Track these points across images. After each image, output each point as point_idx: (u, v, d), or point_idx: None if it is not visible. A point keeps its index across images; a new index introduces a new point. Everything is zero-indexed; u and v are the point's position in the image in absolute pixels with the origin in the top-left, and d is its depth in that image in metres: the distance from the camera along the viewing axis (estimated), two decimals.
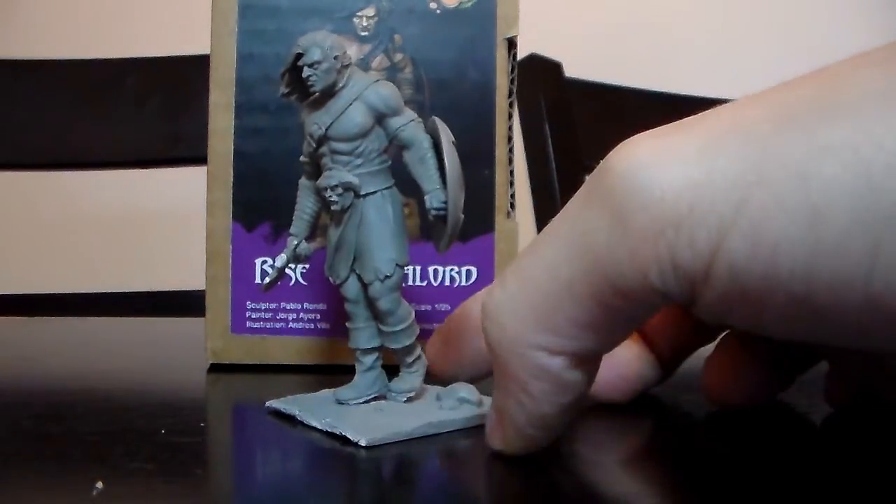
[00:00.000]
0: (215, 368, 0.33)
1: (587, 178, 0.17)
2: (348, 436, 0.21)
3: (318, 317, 0.34)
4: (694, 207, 0.15)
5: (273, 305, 0.34)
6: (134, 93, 0.73)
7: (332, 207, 0.25)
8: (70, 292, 0.72)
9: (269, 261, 0.34)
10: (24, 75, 0.74)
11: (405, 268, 0.25)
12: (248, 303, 0.34)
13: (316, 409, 0.24)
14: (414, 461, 0.21)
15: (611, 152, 0.17)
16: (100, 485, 0.17)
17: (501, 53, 0.34)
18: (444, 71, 0.34)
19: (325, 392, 0.26)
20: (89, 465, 0.19)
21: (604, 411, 0.26)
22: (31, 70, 0.74)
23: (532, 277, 0.18)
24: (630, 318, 0.17)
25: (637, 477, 0.21)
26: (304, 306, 0.34)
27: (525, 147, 0.76)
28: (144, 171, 0.77)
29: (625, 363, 0.26)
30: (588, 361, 0.18)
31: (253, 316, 0.34)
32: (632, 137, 0.17)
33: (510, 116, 0.35)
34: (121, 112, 0.72)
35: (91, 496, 0.17)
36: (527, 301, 0.18)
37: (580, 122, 0.76)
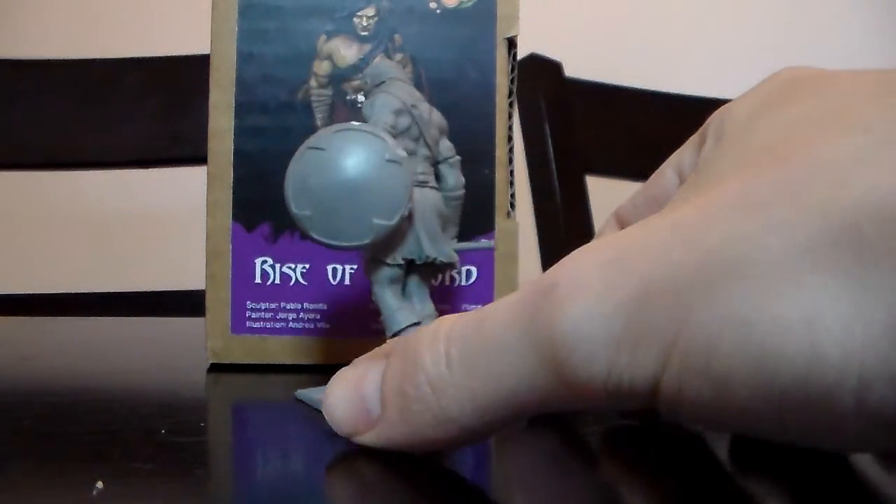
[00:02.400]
0: (215, 368, 0.33)
1: (531, 291, 0.17)
2: None
3: (318, 317, 0.34)
4: (631, 361, 0.15)
5: (273, 305, 0.34)
6: (134, 93, 0.73)
7: None
8: (70, 292, 0.72)
9: (269, 260, 0.34)
10: (24, 75, 0.74)
11: None
12: (248, 303, 0.34)
13: None
14: (421, 460, 0.21)
15: (558, 275, 0.17)
16: (100, 485, 0.17)
17: (501, 53, 0.34)
18: (444, 71, 0.34)
19: None
20: (89, 465, 0.19)
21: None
22: (31, 70, 0.74)
23: (478, 375, 0.18)
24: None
25: (618, 478, 0.21)
26: (304, 306, 0.34)
27: (525, 147, 0.76)
28: (144, 171, 0.77)
29: None
30: None
31: (253, 316, 0.34)
32: (576, 258, 0.17)
33: (510, 116, 0.35)
34: (121, 112, 0.72)
35: (91, 496, 0.17)
36: (469, 395, 0.18)
37: (580, 122, 0.76)
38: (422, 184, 0.27)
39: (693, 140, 0.24)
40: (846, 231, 0.13)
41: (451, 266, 0.28)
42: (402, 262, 0.27)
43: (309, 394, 0.26)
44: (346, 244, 0.25)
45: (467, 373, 0.18)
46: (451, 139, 0.29)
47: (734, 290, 0.14)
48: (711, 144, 0.20)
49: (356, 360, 0.21)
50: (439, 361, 0.18)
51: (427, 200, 0.27)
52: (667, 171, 0.25)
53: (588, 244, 0.18)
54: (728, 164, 0.18)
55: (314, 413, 0.25)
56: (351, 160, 0.25)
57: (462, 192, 0.29)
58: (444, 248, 0.27)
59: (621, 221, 0.27)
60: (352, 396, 0.20)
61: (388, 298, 0.27)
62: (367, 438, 0.20)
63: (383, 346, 0.21)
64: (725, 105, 0.21)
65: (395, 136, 0.26)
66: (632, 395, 0.16)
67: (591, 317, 0.16)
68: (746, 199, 0.15)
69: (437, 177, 0.29)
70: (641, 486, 0.20)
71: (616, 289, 0.16)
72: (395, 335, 0.26)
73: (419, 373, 0.19)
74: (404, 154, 0.25)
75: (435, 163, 0.28)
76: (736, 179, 0.16)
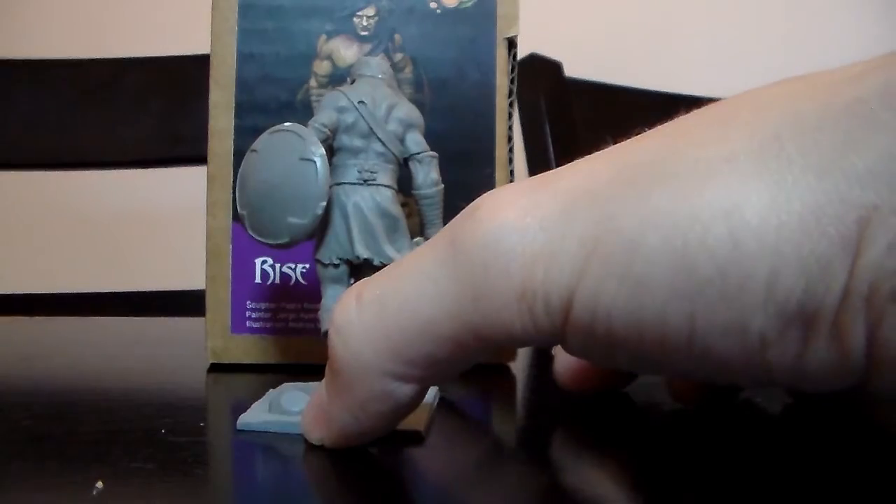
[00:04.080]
0: (215, 368, 0.33)
1: (455, 219, 0.17)
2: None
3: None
4: (547, 273, 0.15)
5: (273, 305, 0.34)
6: (134, 93, 0.73)
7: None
8: (70, 292, 0.72)
9: (269, 260, 0.34)
10: (24, 75, 0.74)
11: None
12: (248, 302, 0.34)
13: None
14: (418, 460, 0.21)
15: (479, 201, 0.17)
16: (100, 485, 0.17)
17: (501, 53, 0.34)
18: (444, 71, 0.34)
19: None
20: (89, 465, 0.19)
21: (576, 408, 0.26)
22: (31, 70, 0.74)
23: (390, 308, 0.18)
24: (488, 353, 0.18)
25: (606, 474, 0.21)
26: (304, 306, 0.34)
27: (525, 147, 0.76)
28: (144, 171, 0.77)
29: None
30: (429, 386, 0.19)
31: (253, 316, 0.34)
32: (502, 188, 0.17)
33: (510, 116, 0.35)
34: (121, 112, 0.73)
35: (91, 496, 0.17)
36: (383, 331, 0.18)
37: (580, 122, 0.76)
38: (366, 182, 0.26)
39: None
40: (767, 141, 0.14)
41: None
42: (336, 261, 0.27)
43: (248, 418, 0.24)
44: (270, 242, 0.26)
45: (378, 310, 0.18)
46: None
47: (657, 191, 0.15)
48: None
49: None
50: (349, 307, 0.18)
51: (367, 199, 0.26)
52: None
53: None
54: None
55: None
56: (270, 160, 0.26)
57: (434, 189, 0.28)
58: (382, 248, 0.26)
59: None
60: (315, 402, 0.20)
61: (325, 298, 0.27)
62: (326, 439, 0.20)
63: None
64: None
65: (332, 133, 0.26)
66: (545, 315, 0.16)
67: (510, 230, 0.16)
68: (672, 127, 0.16)
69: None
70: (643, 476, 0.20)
71: (538, 206, 0.16)
72: (325, 334, 0.26)
73: (332, 330, 0.18)
74: (321, 153, 0.25)
75: (404, 160, 0.27)
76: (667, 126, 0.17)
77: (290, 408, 0.23)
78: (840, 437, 0.23)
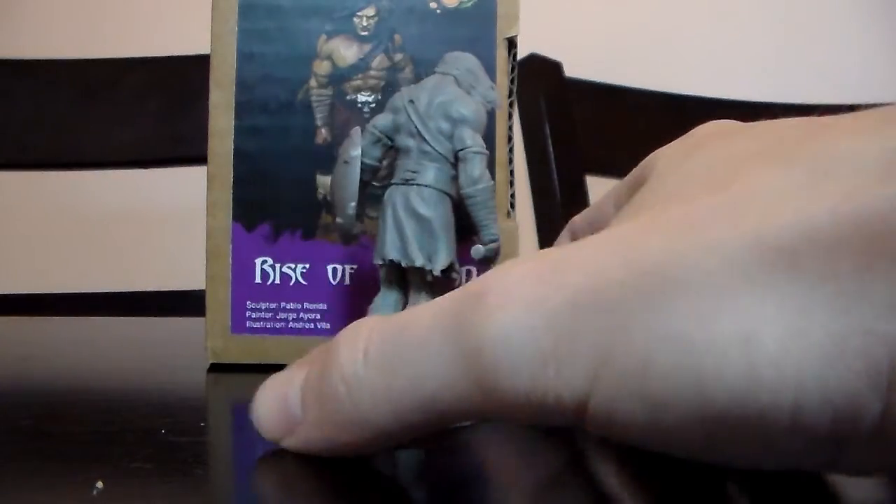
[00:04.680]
0: (215, 368, 0.33)
1: (461, 298, 0.17)
2: None
3: (318, 317, 0.34)
4: (559, 375, 0.15)
5: (273, 305, 0.34)
6: (134, 93, 0.73)
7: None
8: (70, 292, 0.72)
9: (269, 260, 0.34)
10: (24, 75, 0.74)
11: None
12: (248, 303, 0.34)
13: None
14: (418, 461, 0.21)
15: (486, 285, 0.17)
16: (100, 485, 0.17)
17: (501, 53, 0.34)
18: None
19: None
20: (89, 465, 0.19)
21: None
22: (31, 70, 0.74)
23: (397, 376, 0.17)
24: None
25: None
26: (304, 306, 0.34)
27: (525, 147, 0.76)
28: (144, 171, 0.77)
29: None
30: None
31: (253, 316, 0.34)
32: (510, 269, 0.17)
33: (510, 116, 0.35)
34: (121, 112, 0.73)
35: (91, 496, 0.17)
36: (386, 396, 0.17)
37: (580, 122, 0.76)
38: (407, 182, 0.26)
39: (628, 179, 0.24)
40: (780, 255, 0.13)
41: (437, 272, 0.26)
42: (381, 262, 0.27)
43: None
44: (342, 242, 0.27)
45: (384, 372, 0.17)
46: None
47: (670, 308, 0.14)
48: (646, 180, 0.20)
49: (289, 364, 0.21)
50: (356, 359, 0.18)
51: (403, 199, 0.26)
52: (608, 197, 0.25)
53: (523, 256, 0.17)
54: (666, 192, 0.18)
55: None
56: (335, 163, 0.28)
57: (474, 188, 0.26)
58: (408, 251, 0.26)
59: (574, 236, 0.28)
60: (277, 399, 0.20)
61: (376, 297, 0.27)
62: (289, 442, 0.20)
63: (314, 349, 0.20)
64: (655, 152, 0.22)
65: (387, 135, 0.27)
66: (558, 412, 0.15)
67: (519, 328, 0.15)
68: (685, 220, 0.15)
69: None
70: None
71: (547, 301, 0.15)
72: None
73: (335, 370, 0.18)
74: (355, 154, 0.26)
75: (456, 158, 0.27)
76: (675, 203, 0.16)
77: None
78: None
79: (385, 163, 0.28)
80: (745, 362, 0.13)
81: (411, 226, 0.26)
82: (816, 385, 0.13)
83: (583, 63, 0.78)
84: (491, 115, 0.34)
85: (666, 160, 0.20)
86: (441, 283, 0.26)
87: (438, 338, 0.17)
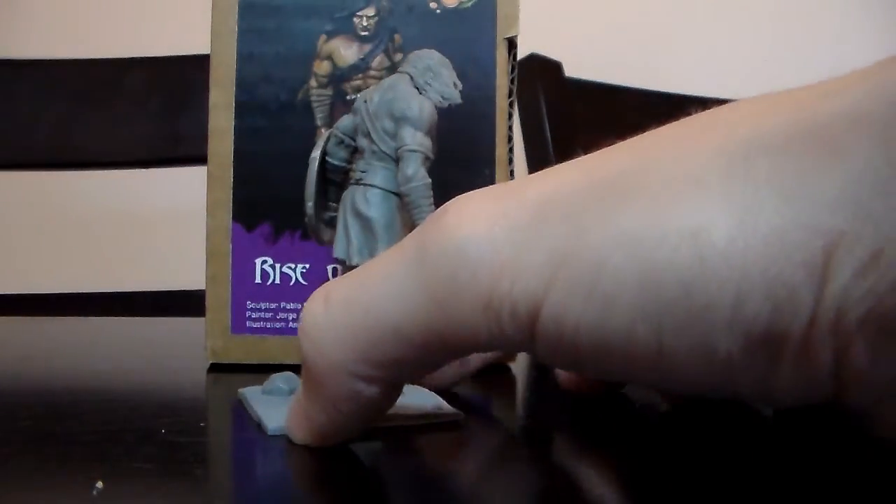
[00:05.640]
0: (215, 368, 0.33)
1: (423, 224, 0.18)
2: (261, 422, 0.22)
3: None
4: (514, 285, 0.15)
5: (273, 305, 0.34)
6: (134, 93, 0.73)
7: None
8: (70, 292, 0.72)
9: (269, 260, 0.34)
10: (24, 75, 0.74)
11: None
12: (248, 302, 0.34)
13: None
14: (418, 461, 0.21)
15: (447, 206, 0.17)
16: (100, 485, 0.17)
17: (501, 53, 0.34)
18: None
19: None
20: (89, 465, 0.19)
21: (576, 408, 0.26)
22: (31, 70, 0.74)
23: (358, 309, 0.18)
24: (453, 356, 0.18)
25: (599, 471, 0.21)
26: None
27: (525, 147, 0.76)
28: (144, 171, 0.77)
29: None
30: (399, 385, 0.19)
31: (253, 316, 0.34)
32: (471, 194, 0.17)
33: (510, 116, 0.35)
34: (121, 112, 0.73)
35: (91, 496, 0.17)
36: (350, 332, 0.18)
37: (580, 122, 0.76)
38: (357, 182, 0.27)
39: None
40: (733, 160, 0.14)
41: None
42: (336, 260, 0.27)
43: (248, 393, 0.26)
44: None
45: (346, 311, 0.18)
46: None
47: (626, 210, 0.15)
48: None
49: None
50: (317, 307, 0.18)
51: (350, 199, 0.27)
52: None
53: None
54: None
55: None
56: None
57: (407, 187, 0.26)
58: (349, 250, 0.26)
59: None
60: (296, 404, 0.21)
61: None
62: (310, 438, 0.20)
63: None
64: None
65: (352, 136, 0.27)
66: (512, 324, 0.16)
67: (478, 240, 0.16)
68: (647, 140, 0.16)
69: None
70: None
71: (507, 214, 0.16)
72: None
73: (301, 330, 0.19)
74: (314, 155, 0.27)
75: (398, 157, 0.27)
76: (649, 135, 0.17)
77: (280, 385, 0.25)
78: (835, 436, 0.23)
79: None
80: (695, 254, 0.14)
81: (355, 226, 0.26)
82: (759, 276, 0.13)
83: (583, 63, 0.78)
84: (491, 114, 0.34)
85: None
86: None
87: (398, 265, 0.17)
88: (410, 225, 0.26)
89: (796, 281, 0.13)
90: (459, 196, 0.17)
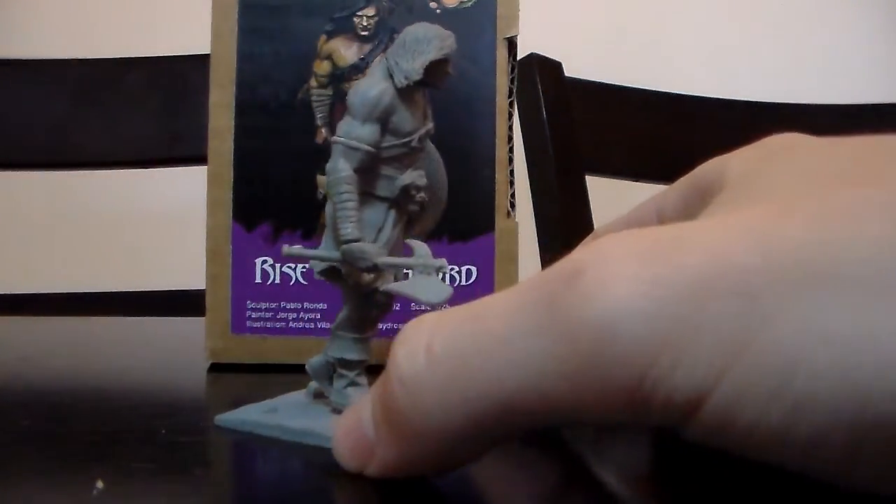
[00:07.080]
0: (215, 368, 0.33)
1: (551, 277, 0.15)
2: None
3: (318, 317, 0.34)
4: (674, 369, 0.13)
5: (273, 305, 0.34)
6: (134, 92, 0.73)
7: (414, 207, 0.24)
8: (70, 292, 0.72)
9: (269, 260, 0.34)
10: (24, 75, 0.74)
11: None
12: (248, 302, 0.34)
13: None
14: None
15: (582, 262, 0.15)
16: (100, 484, 0.17)
17: (501, 53, 0.34)
18: None
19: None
20: (89, 465, 0.19)
21: None
22: (31, 70, 0.74)
23: (472, 372, 0.15)
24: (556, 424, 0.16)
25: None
26: (304, 306, 0.34)
27: (525, 147, 0.76)
28: (144, 170, 0.77)
29: None
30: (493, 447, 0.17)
31: (253, 316, 0.34)
32: (605, 245, 0.15)
33: (510, 116, 0.35)
34: (121, 111, 0.72)
35: (91, 496, 0.17)
36: (459, 397, 0.16)
37: (580, 122, 0.76)
38: None
39: (678, 186, 0.22)
40: None
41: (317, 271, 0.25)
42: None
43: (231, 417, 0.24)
44: None
45: (452, 371, 0.15)
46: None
47: (820, 301, 0.13)
48: (721, 184, 0.19)
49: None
50: (415, 358, 0.16)
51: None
52: (649, 206, 0.24)
53: (609, 235, 0.15)
54: (762, 193, 0.16)
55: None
56: None
57: (327, 179, 0.24)
58: (317, 246, 0.24)
59: None
60: (352, 426, 0.18)
61: None
62: (370, 470, 0.18)
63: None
64: (716, 159, 0.20)
65: None
66: (664, 408, 0.14)
67: (629, 311, 0.14)
68: (826, 208, 0.14)
69: None
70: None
71: (662, 282, 0.14)
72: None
73: (392, 374, 0.16)
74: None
75: None
76: (804, 195, 0.15)
77: (286, 422, 0.23)
78: None
79: None
80: None
81: (328, 223, 0.24)
82: None
83: (583, 63, 0.78)
84: (491, 114, 0.34)
85: (744, 165, 0.19)
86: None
87: (522, 327, 0.15)
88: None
89: None
90: (589, 246, 0.15)
